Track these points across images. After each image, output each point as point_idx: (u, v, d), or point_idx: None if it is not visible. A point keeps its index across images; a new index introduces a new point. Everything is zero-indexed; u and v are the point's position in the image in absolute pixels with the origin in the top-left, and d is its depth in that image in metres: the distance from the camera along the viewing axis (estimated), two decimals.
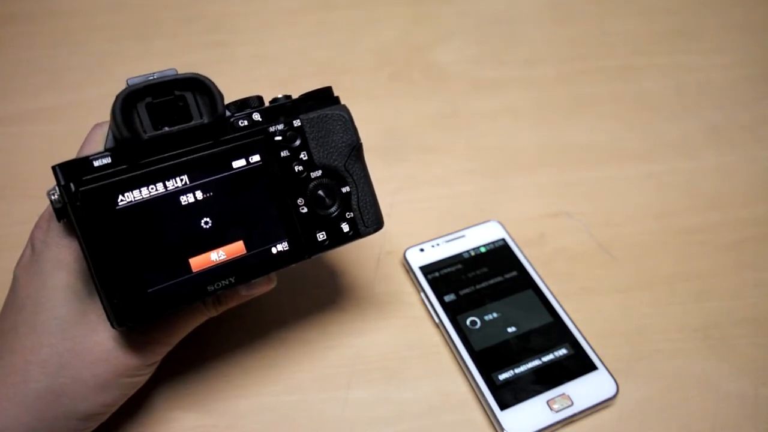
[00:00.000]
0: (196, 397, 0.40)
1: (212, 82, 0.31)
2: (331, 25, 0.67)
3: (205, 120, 0.31)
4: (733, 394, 0.41)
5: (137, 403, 0.39)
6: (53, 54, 0.62)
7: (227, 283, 0.32)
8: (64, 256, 0.32)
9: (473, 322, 0.43)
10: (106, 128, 0.33)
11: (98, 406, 0.33)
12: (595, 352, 0.41)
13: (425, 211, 0.51)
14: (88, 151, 0.32)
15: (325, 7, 0.68)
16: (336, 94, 0.36)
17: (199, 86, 0.31)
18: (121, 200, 0.30)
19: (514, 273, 0.46)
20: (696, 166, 0.55)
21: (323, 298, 0.45)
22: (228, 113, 0.33)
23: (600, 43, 0.65)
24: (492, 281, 0.45)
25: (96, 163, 0.29)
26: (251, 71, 0.62)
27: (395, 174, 0.53)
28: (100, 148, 0.32)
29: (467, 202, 0.51)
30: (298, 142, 0.34)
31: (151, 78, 0.30)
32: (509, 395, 0.39)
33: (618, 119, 0.58)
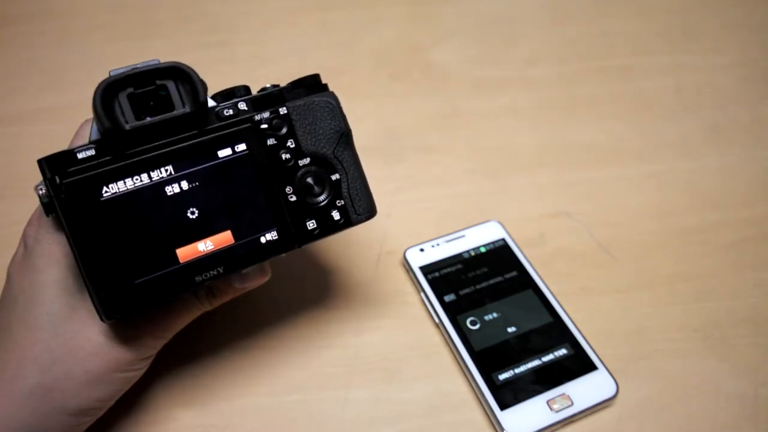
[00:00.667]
0: (195, 396, 0.40)
1: (193, 71, 0.30)
2: (331, 25, 0.67)
3: (188, 109, 0.31)
4: (733, 394, 0.41)
5: (135, 401, 0.39)
6: (53, 54, 0.62)
7: (216, 273, 0.32)
8: (54, 252, 0.32)
9: (473, 322, 0.43)
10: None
11: (91, 401, 0.33)
12: (595, 352, 0.41)
13: (425, 211, 0.51)
14: (76, 145, 0.32)
15: (325, 7, 0.68)
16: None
17: (180, 75, 0.30)
18: (106, 192, 0.29)
19: (514, 273, 0.46)
20: (696, 166, 0.55)
21: (323, 298, 0.45)
22: (214, 103, 0.33)
23: (600, 43, 0.65)
24: (492, 281, 0.45)
25: (80, 156, 0.29)
26: (251, 71, 0.62)
27: (395, 174, 0.53)
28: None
29: (467, 202, 0.51)
30: (284, 130, 0.34)
31: (133, 68, 0.30)
32: (509, 395, 0.39)
33: (618, 119, 0.58)
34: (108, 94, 0.29)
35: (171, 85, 0.30)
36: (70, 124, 0.58)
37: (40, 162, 0.29)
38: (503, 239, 0.47)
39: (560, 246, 0.49)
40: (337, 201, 0.35)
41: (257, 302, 0.44)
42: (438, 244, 0.47)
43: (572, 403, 0.39)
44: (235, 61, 0.63)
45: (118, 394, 0.34)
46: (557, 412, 0.39)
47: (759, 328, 0.44)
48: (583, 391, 0.40)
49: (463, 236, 0.47)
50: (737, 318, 0.45)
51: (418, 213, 0.50)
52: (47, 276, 0.32)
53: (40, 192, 0.30)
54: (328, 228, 0.34)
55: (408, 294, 0.46)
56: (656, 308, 0.45)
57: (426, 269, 0.45)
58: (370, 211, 0.36)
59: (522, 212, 0.50)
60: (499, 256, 0.46)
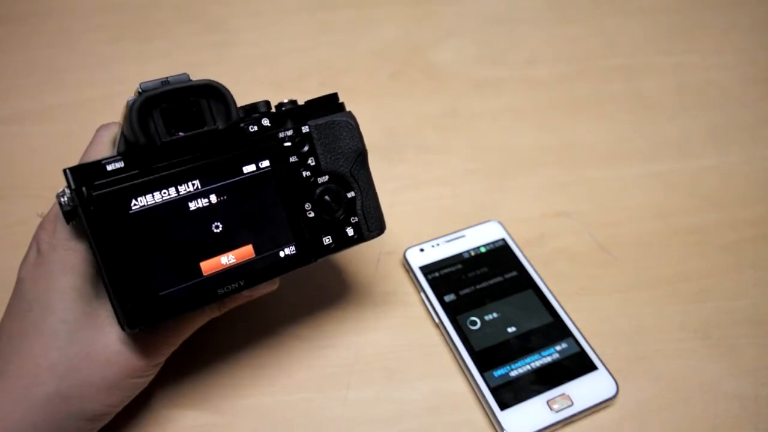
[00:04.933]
0: (195, 395, 0.40)
1: (227, 89, 0.31)
2: (331, 25, 0.67)
3: (219, 126, 0.31)
4: (733, 394, 0.41)
5: (136, 401, 0.39)
6: (53, 54, 0.62)
7: (237, 286, 0.32)
8: (71, 259, 0.32)
9: (473, 322, 0.43)
10: (112, 130, 0.33)
11: (106, 407, 0.33)
12: (595, 352, 0.41)
13: (425, 211, 0.51)
14: (96, 153, 0.32)
15: (325, 7, 0.68)
16: (336, 93, 0.36)
17: (214, 93, 0.31)
18: (134, 205, 0.30)
19: (514, 273, 0.46)
20: (696, 166, 0.55)
21: (323, 297, 0.45)
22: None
23: (600, 43, 0.65)
24: (492, 281, 0.45)
25: (109, 168, 0.30)
26: (251, 71, 0.62)
27: (395, 174, 0.53)
28: (108, 150, 0.32)
29: (467, 202, 0.51)
30: (306, 148, 0.35)
31: (166, 84, 0.30)
32: (509, 395, 0.39)
33: (618, 119, 0.58)
34: (144, 110, 0.30)
35: (203, 102, 0.31)
36: (70, 124, 0.58)
37: (65, 171, 0.29)
38: (503, 239, 0.47)
39: (560, 246, 0.49)
40: (352, 218, 0.36)
41: (258, 302, 0.44)
42: (438, 244, 0.47)
43: (572, 403, 0.39)
44: (236, 61, 0.63)
45: (129, 399, 0.35)
46: (557, 412, 0.39)
47: (759, 328, 0.44)
48: (583, 391, 0.40)
49: (463, 236, 0.47)
50: (737, 318, 0.45)
51: (418, 213, 0.50)
52: (63, 283, 0.32)
53: (63, 199, 0.30)
54: (343, 243, 0.36)
55: (408, 294, 0.46)
56: (656, 308, 0.45)
57: (426, 269, 0.45)
58: (380, 228, 0.37)
59: (522, 212, 0.50)
60: (499, 256, 0.46)
